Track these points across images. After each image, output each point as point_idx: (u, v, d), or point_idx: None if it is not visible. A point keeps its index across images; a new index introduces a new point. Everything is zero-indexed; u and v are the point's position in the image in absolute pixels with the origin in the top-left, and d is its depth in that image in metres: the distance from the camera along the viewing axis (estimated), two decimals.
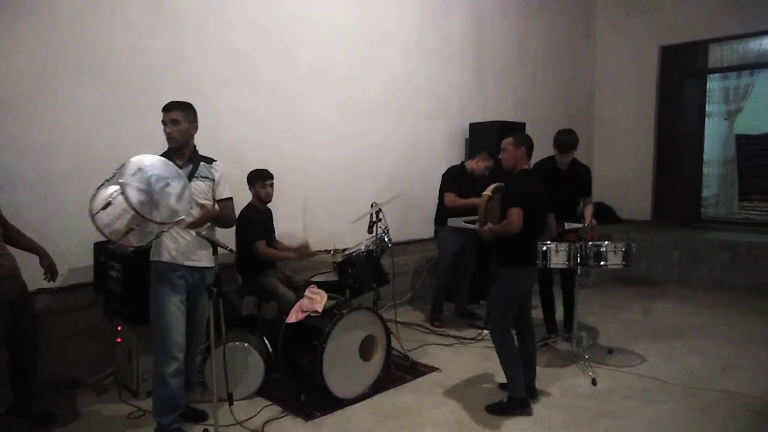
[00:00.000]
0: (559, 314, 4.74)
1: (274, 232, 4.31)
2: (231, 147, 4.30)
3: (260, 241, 3.99)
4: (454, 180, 5.05)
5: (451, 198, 4.98)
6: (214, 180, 3.06)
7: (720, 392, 3.66)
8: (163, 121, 2.96)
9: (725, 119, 8.75)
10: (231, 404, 3.01)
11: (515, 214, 3.27)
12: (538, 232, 3.56)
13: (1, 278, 2.87)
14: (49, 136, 3.42)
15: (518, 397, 3.39)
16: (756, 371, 4.01)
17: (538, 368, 3.66)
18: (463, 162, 5.24)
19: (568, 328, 4.63)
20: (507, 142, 3.47)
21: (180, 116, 2.95)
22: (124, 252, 3.09)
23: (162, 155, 2.90)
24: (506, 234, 3.33)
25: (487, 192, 3.52)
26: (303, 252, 4.25)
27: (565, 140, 4.37)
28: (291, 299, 3.80)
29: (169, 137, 2.95)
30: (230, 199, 3.16)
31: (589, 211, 4.49)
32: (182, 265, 2.94)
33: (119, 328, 3.66)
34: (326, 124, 5.10)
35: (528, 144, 3.47)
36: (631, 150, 8.19)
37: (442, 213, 5.12)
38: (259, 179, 4.08)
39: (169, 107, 2.96)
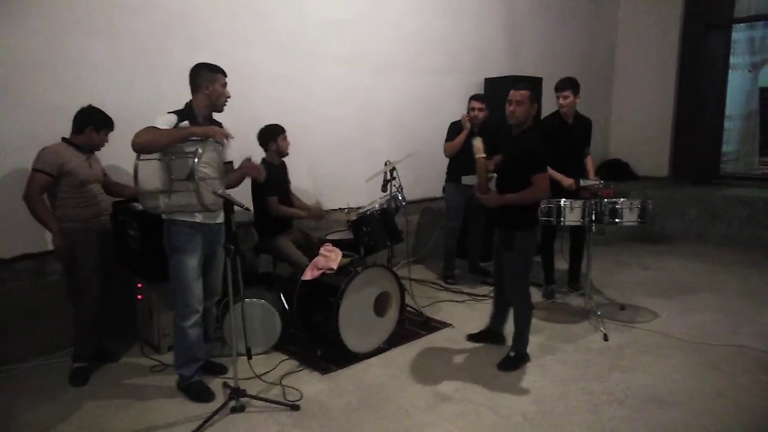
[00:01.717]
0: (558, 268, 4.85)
1: (289, 183, 4.33)
2: (242, 104, 4.24)
3: (272, 197, 4.01)
4: (454, 132, 4.97)
5: (448, 145, 4.93)
6: (222, 144, 3.08)
7: (731, 347, 3.69)
8: (224, 84, 3.03)
9: (749, 71, 8.46)
10: (250, 358, 3.09)
11: (544, 181, 3.20)
12: None
13: (97, 215, 3.36)
14: (68, 96, 3.43)
15: (525, 351, 3.51)
16: (767, 327, 4.02)
17: (551, 324, 3.74)
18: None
19: (574, 281, 4.81)
20: (523, 95, 3.22)
21: None
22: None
23: (179, 113, 2.92)
24: (534, 201, 3.28)
25: (481, 154, 3.34)
26: (314, 213, 4.23)
27: (558, 83, 4.44)
28: (303, 264, 3.84)
29: (226, 101, 3.06)
30: (232, 161, 3.25)
31: (590, 165, 4.59)
32: (199, 222, 2.99)
33: (139, 285, 3.75)
34: (338, 80, 5.03)
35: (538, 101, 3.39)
36: (650, 105, 8.00)
37: (449, 169, 5.08)
38: (279, 133, 4.11)
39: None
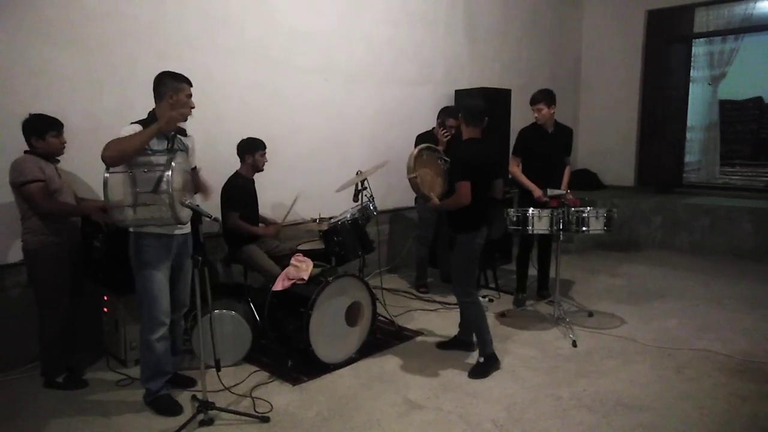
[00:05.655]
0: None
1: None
2: (212, 114, 4.23)
3: (234, 213, 3.95)
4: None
5: None
6: (187, 151, 3.07)
7: (694, 351, 3.78)
8: (189, 95, 2.98)
9: (709, 84, 8.77)
10: (219, 370, 3.05)
11: (464, 188, 3.34)
12: (487, 196, 3.59)
13: (68, 225, 3.33)
14: (26, 106, 3.35)
15: (491, 352, 3.54)
16: (729, 331, 4.14)
17: (522, 331, 3.78)
18: (433, 128, 5.09)
19: (543, 288, 4.89)
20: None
21: None
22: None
23: (143, 123, 2.88)
24: (456, 207, 3.41)
25: (412, 174, 3.55)
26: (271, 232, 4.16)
27: (533, 95, 4.49)
28: (275, 272, 3.81)
29: (191, 111, 3.01)
30: (197, 168, 3.25)
31: (566, 176, 4.64)
32: (165, 234, 2.95)
33: (105, 297, 3.67)
34: (309, 90, 5.03)
35: (472, 114, 3.44)
36: (616, 116, 8.22)
37: None
38: (259, 148, 4.06)
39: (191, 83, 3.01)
